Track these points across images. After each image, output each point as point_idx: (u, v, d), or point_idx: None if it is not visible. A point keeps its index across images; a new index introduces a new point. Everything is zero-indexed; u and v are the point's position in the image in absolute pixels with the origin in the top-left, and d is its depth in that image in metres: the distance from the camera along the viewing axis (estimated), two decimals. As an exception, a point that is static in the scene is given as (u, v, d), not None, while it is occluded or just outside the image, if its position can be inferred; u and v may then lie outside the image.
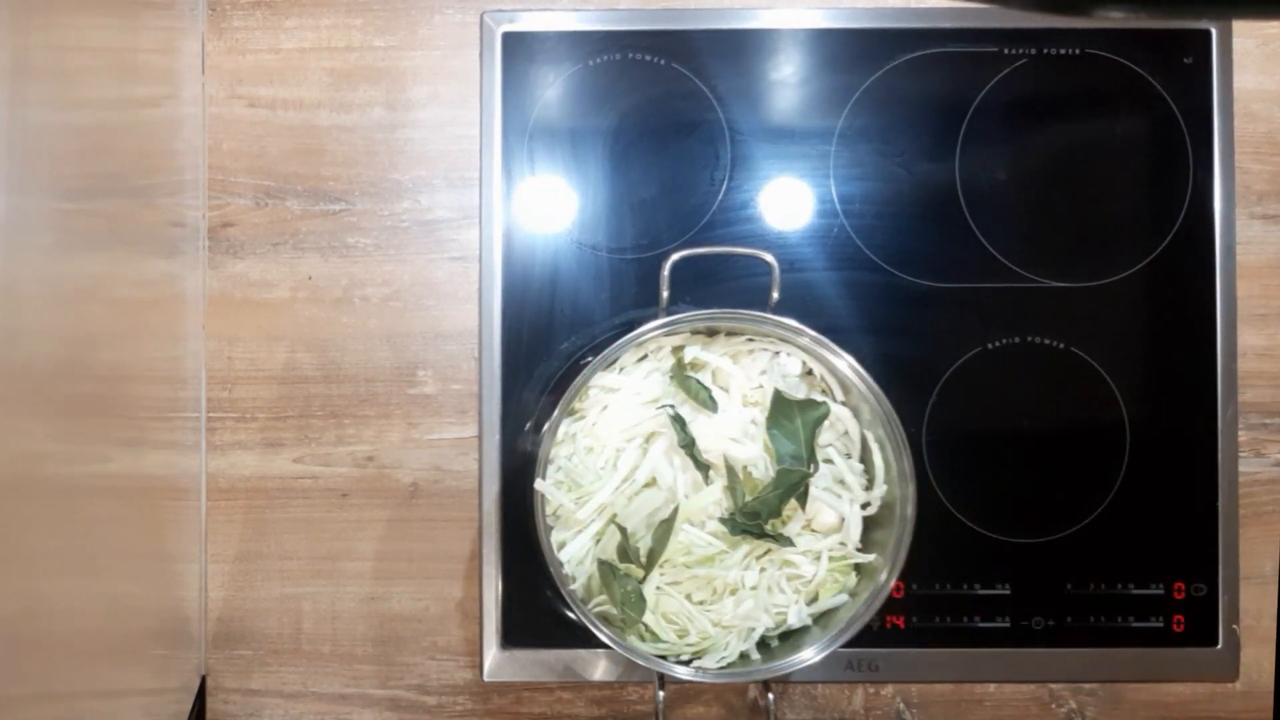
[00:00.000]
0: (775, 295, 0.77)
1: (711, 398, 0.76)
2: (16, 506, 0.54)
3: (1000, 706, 0.85)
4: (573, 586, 0.75)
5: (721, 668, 0.75)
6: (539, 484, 0.74)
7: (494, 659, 0.84)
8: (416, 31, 0.87)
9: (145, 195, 0.75)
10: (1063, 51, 0.86)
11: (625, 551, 0.74)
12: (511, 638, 0.84)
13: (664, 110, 0.86)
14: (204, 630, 0.85)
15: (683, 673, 0.73)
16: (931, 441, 0.85)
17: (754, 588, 0.75)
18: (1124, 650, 0.84)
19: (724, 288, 0.84)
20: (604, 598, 0.75)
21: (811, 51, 0.86)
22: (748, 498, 0.75)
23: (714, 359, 0.78)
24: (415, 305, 0.86)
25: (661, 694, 0.75)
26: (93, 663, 0.65)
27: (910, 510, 0.74)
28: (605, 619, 0.75)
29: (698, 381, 0.76)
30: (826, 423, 0.77)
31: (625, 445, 0.76)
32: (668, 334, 0.78)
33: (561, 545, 0.76)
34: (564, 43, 0.85)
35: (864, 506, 0.77)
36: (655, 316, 0.75)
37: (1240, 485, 0.85)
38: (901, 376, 0.82)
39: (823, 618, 0.77)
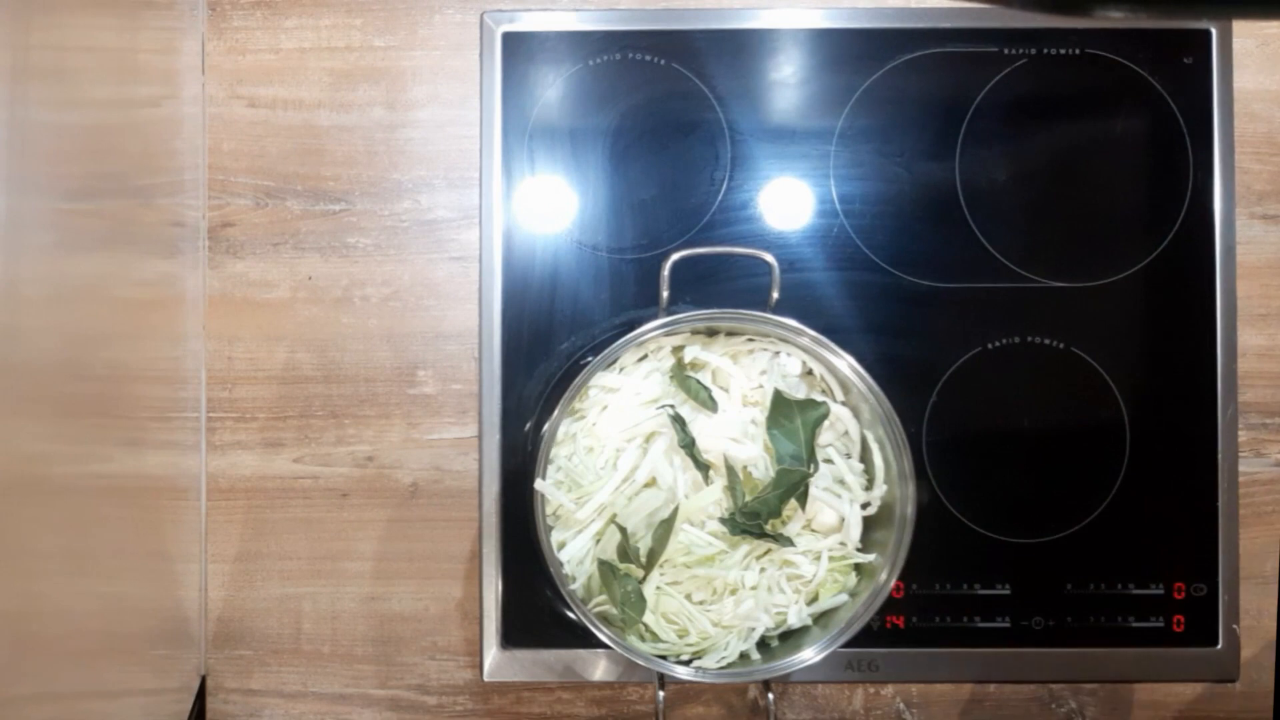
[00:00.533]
0: (775, 295, 0.77)
1: (711, 398, 0.76)
2: (16, 506, 0.54)
3: (1000, 706, 0.85)
4: (573, 586, 0.75)
5: (721, 668, 0.75)
6: (539, 484, 0.74)
7: (494, 659, 0.84)
8: (416, 31, 0.87)
9: (145, 195, 0.75)
10: (1063, 51, 0.86)
11: (625, 551, 0.74)
12: (511, 638, 0.84)
13: (664, 110, 0.86)
14: (204, 630, 0.85)
15: (683, 673, 0.73)
16: (931, 441, 0.85)
17: (754, 588, 0.75)
18: (1124, 650, 0.84)
19: (724, 288, 0.84)
20: (604, 598, 0.75)
21: (811, 51, 0.86)
22: (748, 498, 0.75)
23: (714, 359, 0.78)
24: (415, 305, 0.86)
25: (661, 694, 0.75)
26: (93, 663, 0.65)
27: (910, 510, 0.74)
28: (605, 619, 0.75)
29: (698, 381, 0.76)
30: (826, 423, 0.77)
31: (625, 445, 0.76)
32: (668, 334, 0.78)
33: (561, 545, 0.76)
34: (564, 43, 0.85)
35: (864, 506, 0.77)
36: (655, 316, 0.75)
37: (1240, 485, 0.85)
38: (901, 376, 0.82)
39: (823, 618, 0.77)
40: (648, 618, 0.75)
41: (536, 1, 0.87)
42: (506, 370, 0.85)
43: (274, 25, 0.86)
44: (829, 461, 0.78)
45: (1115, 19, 0.87)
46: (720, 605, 0.76)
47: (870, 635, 0.82)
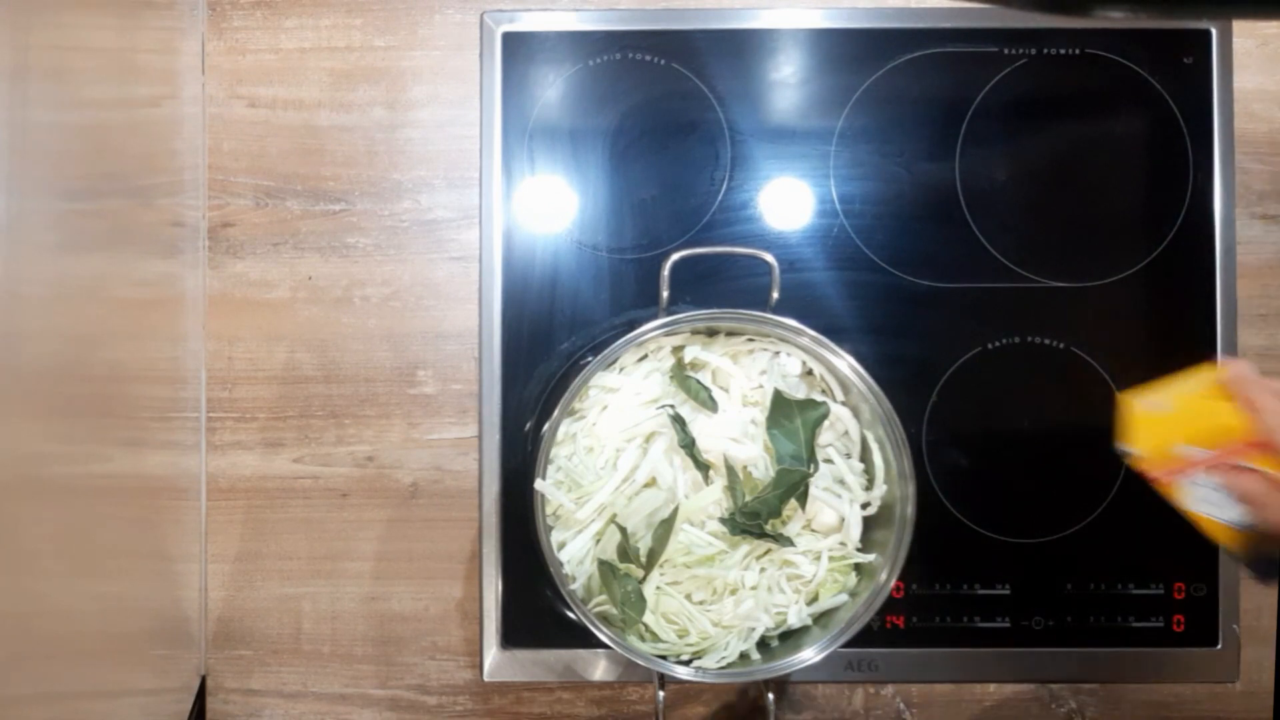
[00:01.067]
0: (775, 295, 0.77)
1: (711, 398, 0.76)
2: (16, 506, 0.54)
3: (1000, 706, 0.85)
4: (573, 586, 0.75)
5: (721, 668, 0.75)
6: (539, 484, 0.74)
7: (494, 659, 0.84)
8: (416, 31, 0.87)
9: (145, 195, 0.75)
10: (1063, 51, 0.86)
11: (625, 551, 0.74)
12: (511, 638, 0.84)
13: (664, 110, 0.86)
14: (204, 630, 0.85)
15: (683, 673, 0.73)
16: (931, 441, 0.85)
17: (754, 588, 0.75)
18: (1124, 650, 0.84)
19: (724, 288, 0.84)
20: (604, 598, 0.75)
21: (811, 51, 0.86)
22: (747, 498, 0.75)
23: (714, 359, 0.78)
24: (415, 305, 0.86)
25: (661, 694, 0.75)
26: (93, 663, 0.65)
27: (910, 510, 0.74)
28: (605, 619, 0.75)
29: (698, 381, 0.76)
30: (826, 423, 0.77)
31: (625, 445, 0.76)
32: (668, 334, 0.78)
33: (561, 545, 0.76)
34: (564, 43, 0.85)
35: (864, 506, 0.77)
36: (655, 316, 0.75)
37: (1240, 485, 0.85)
38: (901, 376, 0.82)
39: (823, 618, 0.77)
40: (648, 618, 0.75)
41: (536, 1, 0.87)
42: (506, 370, 0.85)
43: (274, 25, 0.86)
44: (829, 461, 0.78)
45: (1115, 19, 0.87)
46: (720, 605, 0.76)
47: (870, 635, 0.82)
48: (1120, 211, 0.86)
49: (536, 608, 0.83)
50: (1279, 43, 0.87)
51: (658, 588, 0.75)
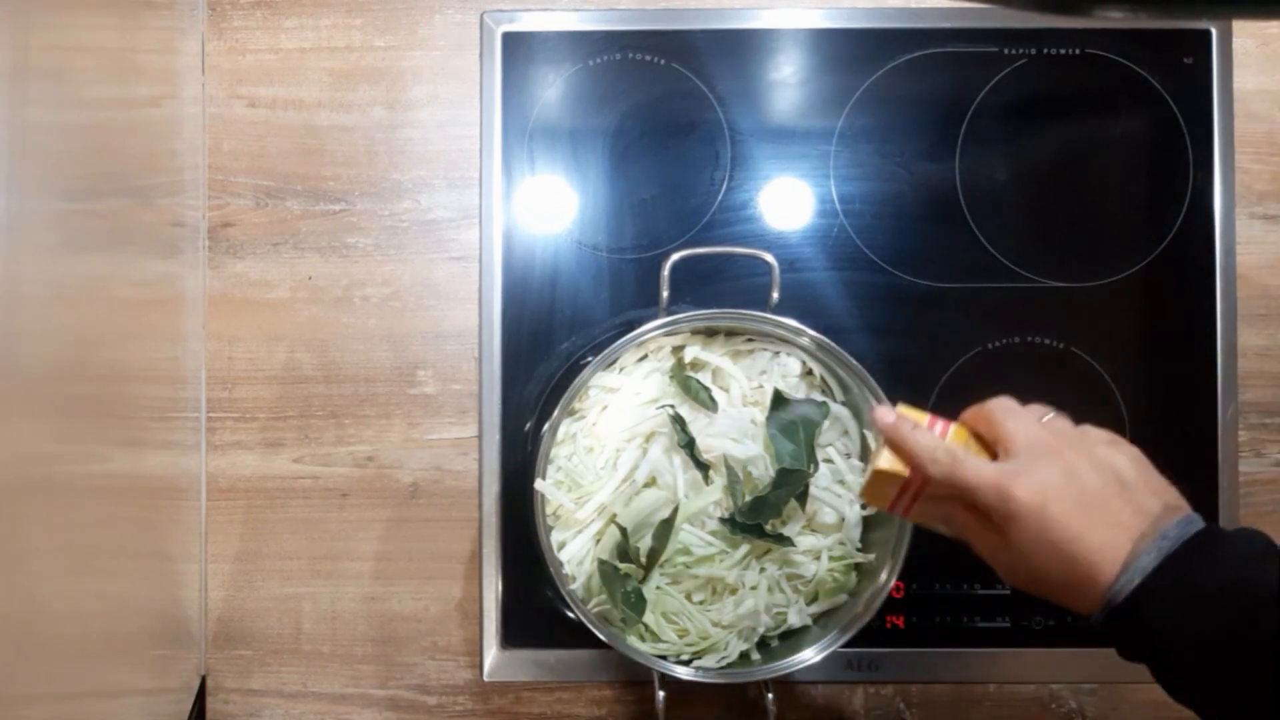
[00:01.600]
0: (775, 295, 0.77)
1: (711, 398, 0.76)
2: (16, 506, 0.54)
3: (1000, 706, 0.85)
4: (573, 586, 0.75)
5: (721, 668, 0.75)
6: (539, 484, 0.74)
7: (494, 659, 0.84)
8: (416, 31, 0.87)
9: (145, 195, 0.75)
10: (1063, 51, 0.86)
11: (625, 551, 0.74)
12: (511, 638, 0.84)
13: (664, 110, 0.86)
14: (204, 630, 0.85)
15: (683, 673, 0.73)
16: (931, 441, 0.84)
17: (754, 588, 0.75)
18: (1124, 650, 0.84)
19: (724, 288, 0.84)
20: (604, 598, 0.75)
21: (811, 51, 0.86)
22: (747, 497, 0.75)
23: (714, 359, 0.78)
24: (415, 305, 0.86)
25: (661, 694, 0.75)
26: (93, 663, 0.65)
27: (910, 510, 0.74)
28: (605, 619, 0.75)
29: (698, 381, 0.76)
30: (826, 423, 0.77)
31: (625, 445, 0.76)
32: (668, 334, 0.78)
33: (561, 545, 0.76)
34: (564, 43, 0.85)
35: (864, 506, 0.77)
36: (655, 316, 0.75)
37: (1240, 485, 0.85)
38: (901, 376, 0.82)
39: (823, 618, 0.77)
40: (648, 618, 0.75)
41: (536, 1, 0.87)
42: (506, 370, 0.85)
43: (274, 25, 0.86)
44: (829, 461, 0.78)
45: (1115, 19, 0.87)
46: (720, 605, 0.76)
47: (870, 635, 0.82)
48: (1120, 211, 0.87)
49: (536, 608, 0.83)
50: (1279, 43, 0.87)
51: (658, 588, 0.75)
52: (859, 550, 0.78)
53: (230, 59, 0.86)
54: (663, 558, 0.75)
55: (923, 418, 0.62)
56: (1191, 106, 0.86)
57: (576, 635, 0.75)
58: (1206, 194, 0.86)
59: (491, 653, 0.84)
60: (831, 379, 0.78)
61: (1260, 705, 0.51)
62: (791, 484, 0.74)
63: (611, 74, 0.86)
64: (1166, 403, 0.86)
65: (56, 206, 0.59)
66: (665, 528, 0.74)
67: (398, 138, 0.86)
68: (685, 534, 0.75)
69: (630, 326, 0.75)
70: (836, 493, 0.77)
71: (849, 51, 0.86)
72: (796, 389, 0.78)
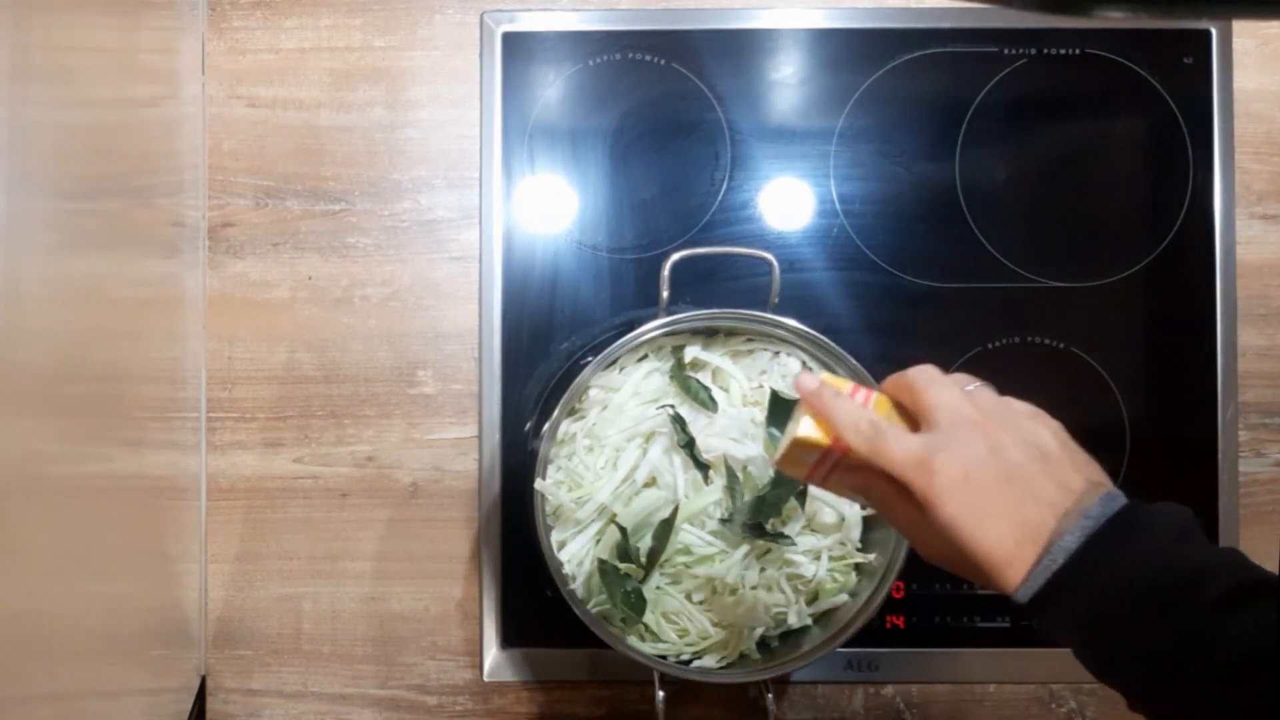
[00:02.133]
0: (775, 295, 0.77)
1: (711, 398, 0.76)
2: (16, 506, 0.54)
3: (1000, 706, 0.85)
4: (573, 586, 0.75)
5: (721, 668, 0.75)
6: (539, 484, 0.74)
7: (494, 659, 0.84)
8: (416, 31, 0.87)
9: (145, 195, 0.75)
10: (1063, 51, 0.86)
11: (625, 551, 0.74)
12: (511, 638, 0.84)
13: (664, 110, 0.86)
14: (204, 630, 0.85)
15: (683, 673, 0.73)
16: (931, 441, 0.84)
17: (754, 588, 0.75)
18: (1124, 650, 0.84)
19: (724, 288, 0.84)
20: (604, 598, 0.75)
21: (811, 51, 0.86)
22: (747, 497, 0.75)
23: (714, 359, 0.78)
24: (415, 305, 0.86)
25: (661, 694, 0.75)
26: (93, 663, 0.65)
27: (910, 510, 0.74)
28: (605, 619, 0.75)
29: (698, 381, 0.76)
30: (826, 423, 0.76)
31: (625, 445, 0.76)
32: (668, 334, 0.77)
33: (561, 545, 0.76)
34: (564, 43, 0.85)
35: (864, 506, 0.77)
36: (655, 316, 0.75)
37: (1240, 485, 0.85)
38: (901, 376, 0.82)
39: (823, 618, 0.77)
40: (648, 618, 0.75)
41: (537, 1, 0.87)
42: (506, 370, 0.85)
43: (274, 25, 0.86)
44: (829, 461, 0.78)
45: (1115, 19, 0.87)
46: (720, 605, 0.76)
47: (870, 635, 0.82)
48: (1120, 211, 0.86)
49: (536, 608, 0.83)
50: (1279, 43, 0.87)
51: (658, 588, 0.75)
52: (859, 550, 0.78)
53: (230, 59, 0.86)
54: (663, 558, 0.75)
55: (845, 386, 0.61)
56: (1191, 106, 0.86)
57: (576, 635, 0.75)
58: (1206, 194, 0.86)
59: (491, 653, 0.84)
60: (831, 379, 0.78)
61: (1186, 684, 0.50)
62: (790, 483, 0.74)
63: (611, 74, 0.86)
64: (1166, 403, 0.85)
65: (56, 206, 0.59)
66: (665, 528, 0.74)
67: (398, 138, 0.86)
68: (685, 534, 0.75)
69: (630, 326, 0.75)
70: (836, 493, 0.77)
71: (849, 51, 0.86)
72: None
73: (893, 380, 0.61)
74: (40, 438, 0.57)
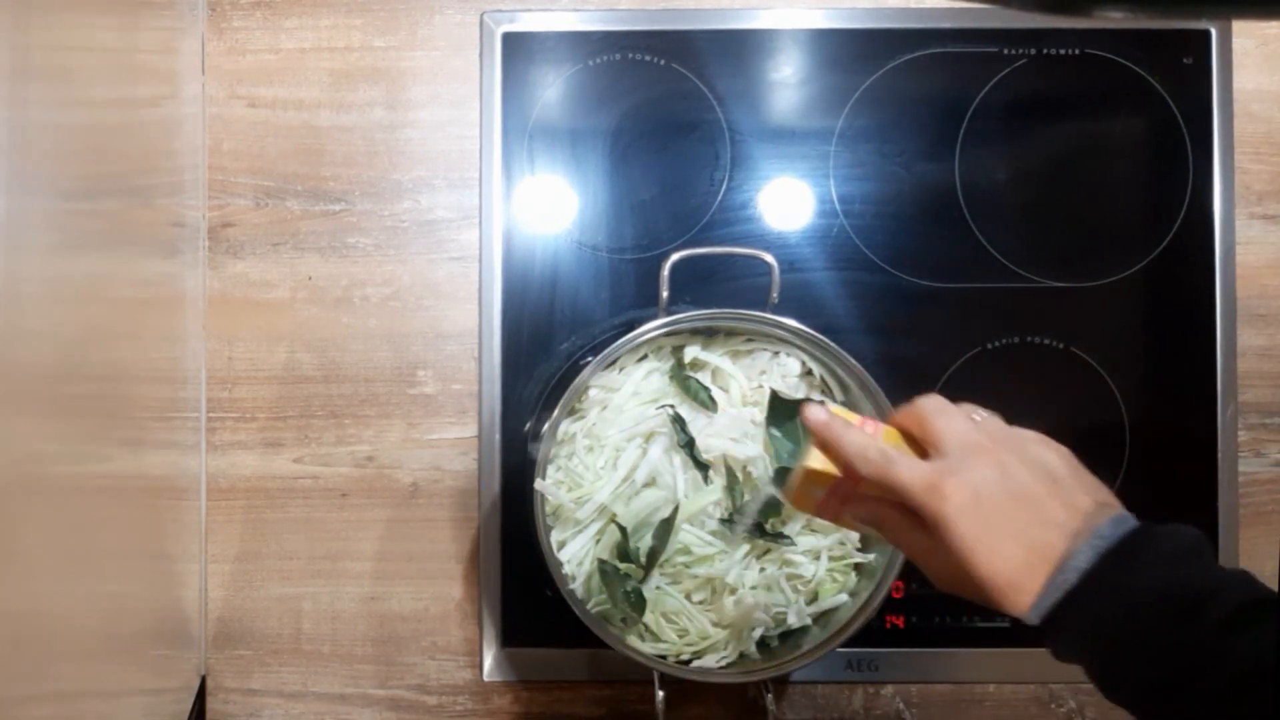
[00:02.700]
0: (775, 295, 0.77)
1: (711, 398, 0.76)
2: (16, 506, 0.54)
3: (1000, 706, 0.85)
4: (572, 586, 0.75)
5: (721, 668, 0.75)
6: (539, 484, 0.74)
7: (494, 659, 0.84)
8: (416, 31, 0.87)
9: (145, 195, 0.75)
10: (1063, 51, 0.86)
11: (625, 551, 0.74)
12: (511, 638, 0.84)
13: (664, 110, 0.86)
14: (204, 630, 0.85)
15: (683, 673, 0.73)
16: (931, 441, 0.84)
17: (754, 587, 0.75)
18: (1124, 650, 0.84)
19: (724, 288, 0.84)
20: (604, 597, 0.75)
21: (811, 51, 0.86)
22: (747, 497, 0.75)
23: (714, 359, 0.78)
24: (415, 305, 0.86)
25: (661, 694, 0.75)
26: (93, 663, 0.65)
27: (910, 510, 0.74)
28: (605, 619, 0.75)
29: (698, 381, 0.76)
30: (826, 423, 0.76)
31: (625, 445, 0.76)
32: (668, 334, 0.77)
33: (561, 545, 0.76)
34: (564, 43, 0.85)
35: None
36: (655, 316, 0.75)
37: (1240, 485, 0.85)
38: (901, 376, 0.82)
39: (823, 618, 0.77)
40: (648, 618, 0.75)
41: (536, 1, 0.87)
42: (506, 370, 0.85)
43: (274, 25, 0.86)
44: (829, 461, 0.78)
45: (1115, 19, 0.87)
46: (720, 605, 0.76)
47: (870, 635, 0.82)
48: (1120, 211, 0.87)
49: (536, 608, 0.83)
50: (1279, 43, 0.87)
51: (658, 588, 0.75)
52: (859, 550, 0.78)
53: (230, 59, 0.86)
54: (663, 558, 0.75)
55: (854, 418, 0.62)
56: (1191, 106, 0.86)
57: (576, 635, 0.75)
58: (1206, 194, 0.86)
59: (491, 653, 0.84)
60: (831, 379, 0.78)
61: (1193, 702, 0.51)
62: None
63: (611, 74, 0.86)
64: (1166, 403, 0.85)
65: (56, 206, 0.59)
66: (665, 528, 0.74)
67: (398, 138, 0.86)
68: (685, 534, 0.75)
69: (630, 326, 0.75)
70: (836, 493, 0.77)
71: (849, 51, 0.86)
72: (796, 389, 0.78)
73: (901, 413, 0.61)
74: (40, 438, 0.57)
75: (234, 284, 0.86)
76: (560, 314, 0.85)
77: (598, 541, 0.76)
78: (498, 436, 0.84)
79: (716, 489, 0.75)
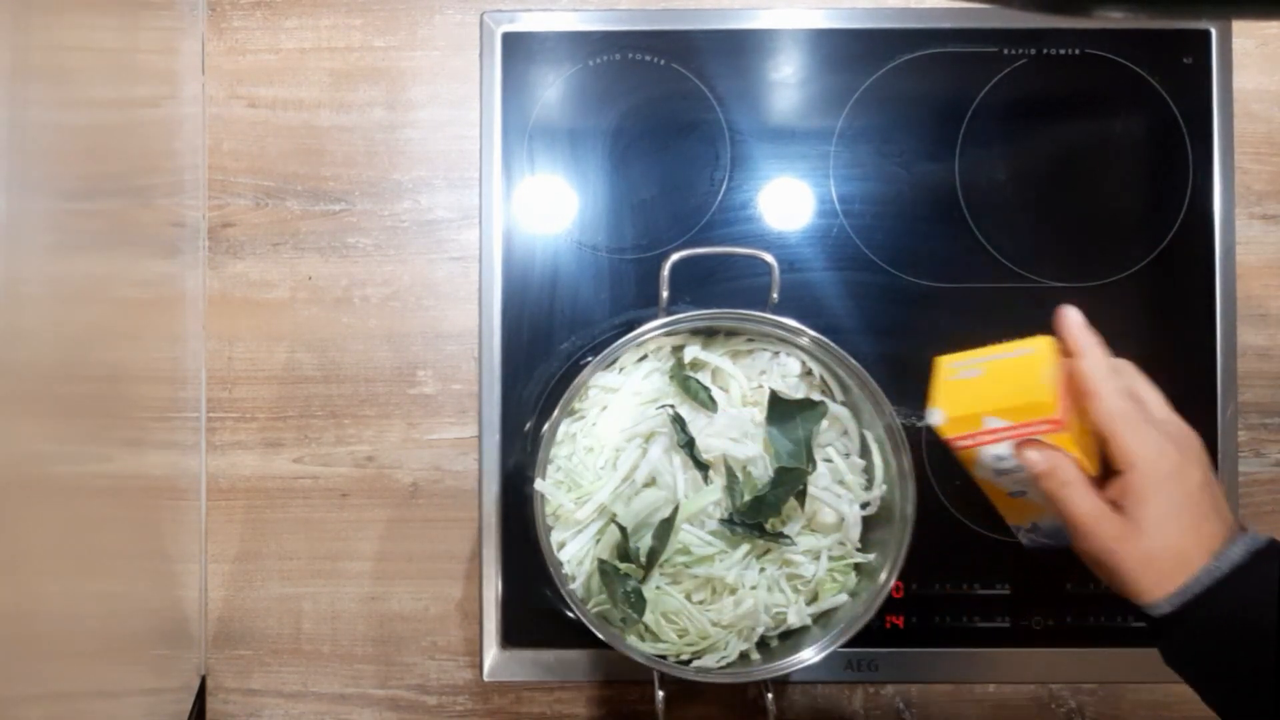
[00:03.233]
0: (775, 295, 0.77)
1: (711, 398, 0.76)
2: (16, 506, 0.54)
3: (1000, 706, 0.85)
4: (572, 586, 0.75)
5: (721, 668, 0.75)
6: (539, 484, 0.74)
7: (494, 659, 0.84)
8: (416, 31, 0.87)
9: (145, 195, 0.75)
10: (1063, 51, 0.86)
11: (625, 551, 0.74)
12: (511, 638, 0.84)
13: (664, 110, 0.86)
14: (204, 630, 0.85)
15: (683, 673, 0.73)
16: (931, 442, 0.84)
17: (754, 587, 0.75)
18: (1124, 650, 0.84)
19: (724, 288, 0.84)
20: (604, 598, 0.75)
21: (811, 51, 0.86)
22: (747, 497, 0.75)
23: (714, 359, 0.78)
24: (415, 305, 0.86)
25: (661, 694, 0.75)
26: (93, 663, 0.65)
27: (910, 510, 0.74)
28: (605, 619, 0.75)
29: (698, 381, 0.76)
30: (825, 422, 0.77)
31: (625, 445, 0.76)
32: (668, 334, 0.77)
33: (561, 545, 0.76)
34: (564, 43, 0.85)
35: (863, 506, 0.77)
36: (655, 316, 0.75)
37: (1240, 485, 0.85)
38: (901, 376, 0.82)
39: (823, 618, 0.77)
40: (648, 618, 0.75)
41: (537, 1, 0.87)
42: (506, 370, 0.85)
43: (274, 25, 0.86)
44: (828, 461, 0.78)
45: (1115, 19, 0.87)
46: (720, 605, 0.76)
47: (870, 635, 0.82)
48: (1120, 211, 0.87)
49: (536, 608, 0.83)
50: (1279, 43, 0.87)
51: (657, 588, 0.75)
52: (859, 550, 0.78)
53: (230, 59, 0.86)
54: (663, 558, 0.75)
55: (1053, 407, 0.61)
56: (1191, 106, 0.86)
57: (576, 635, 0.75)
58: (1206, 194, 0.86)
59: (491, 653, 0.84)
60: (831, 379, 0.78)
61: None
62: (790, 482, 0.74)
63: (611, 74, 0.86)
64: (1166, 403, 0.85)
65: (56, 206, 0.59)
66: (665, 528, 0.74)
67: (398, 138, 0.86)
68: (685, 534, 0.75)
69: (630, 326, 0.75)
70: (836, 492, 0.77)
71: (849, 51, 0.86)
72: (796, 389, 0.78)
73: (1084, 375, 0.63)
74: (40, 438, 0.57)
75: (234, 284, 0.86)
76: (560, 314, 0.85)
77: (598, 541, 0.76)
78: (498, 436, 0.84)
79: (716, 489, 0.75)
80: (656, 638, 0.76)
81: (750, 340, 0.79)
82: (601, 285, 0.85)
